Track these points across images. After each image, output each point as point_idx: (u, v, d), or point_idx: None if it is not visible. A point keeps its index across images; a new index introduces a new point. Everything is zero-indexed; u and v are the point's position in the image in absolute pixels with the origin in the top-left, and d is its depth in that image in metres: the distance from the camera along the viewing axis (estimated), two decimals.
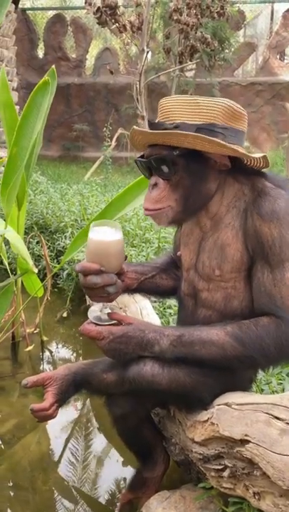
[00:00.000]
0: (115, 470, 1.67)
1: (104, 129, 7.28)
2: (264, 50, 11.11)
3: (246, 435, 0.91)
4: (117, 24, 4.23)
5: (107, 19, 4.17)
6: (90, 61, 12.04)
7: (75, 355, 2.59)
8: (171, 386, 1.18)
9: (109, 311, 1.23)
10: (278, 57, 10.98)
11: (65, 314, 2.87)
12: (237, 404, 1.00)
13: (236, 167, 1.13)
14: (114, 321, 1.21)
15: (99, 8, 4.06)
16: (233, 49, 9.62)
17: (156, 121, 1.11)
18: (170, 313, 2.19)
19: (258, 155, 1.11)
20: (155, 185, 1.11)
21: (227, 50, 8.97)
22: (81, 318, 2.82)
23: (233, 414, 0.99)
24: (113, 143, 8.34)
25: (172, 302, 2.22)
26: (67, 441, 1.82)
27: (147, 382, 1.18)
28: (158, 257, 1.61)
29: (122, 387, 1.25)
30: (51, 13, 11.68)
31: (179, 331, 1.13)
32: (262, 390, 1.52)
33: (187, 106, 1.06)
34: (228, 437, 0.98)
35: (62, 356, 2.55)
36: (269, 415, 0.90)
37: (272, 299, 1.05)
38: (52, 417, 1.31)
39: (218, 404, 1.08)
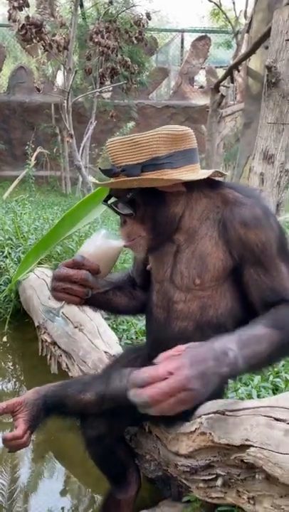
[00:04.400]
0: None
1: (27, 147, 7.12)
2: (176, 75, 11.69)
3: (247, 440, 0.93)
4: (42, 42, 4.20)
5: (32, 37, 4.12)
6: (1, 79, 11.78)
7: (18, 384, 2.44)
8: None
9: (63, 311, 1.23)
10: (189, 82, 11.63)
11: (5, 339, 2.71)
12: (231, 411, 1.01)
13: (199, 183, 1.16)
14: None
15: (24, 25, 4.01)
16: (147, 73, 10.02)
17: (106, 167, 1.13)
18: (123, 329, 2.17)
19: (205, 174, 1.13)
20: (124, 222, 1.16)
21: (141, 74, 9.33)
22: (22, 342, 2.69)
23: (228, 421, 1.00)
24: (32, 161, 8.18)
25: (124, 318, 2.21)
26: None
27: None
28: (113, 274, 1.58)
29: (102, 406, 1.22)
30: None
31: (231, 335, 0.96)
32: (227, 398, 1.56)
33: (127, 147, 1.08)
34: (225, 445, 0.98)
35: (4, 387, 2.39)
36: (269, 417, 0.92)
37: (277, 290, 1.08)
38: (26, 445, 1.23)
39: (206, 414, 1.09)
